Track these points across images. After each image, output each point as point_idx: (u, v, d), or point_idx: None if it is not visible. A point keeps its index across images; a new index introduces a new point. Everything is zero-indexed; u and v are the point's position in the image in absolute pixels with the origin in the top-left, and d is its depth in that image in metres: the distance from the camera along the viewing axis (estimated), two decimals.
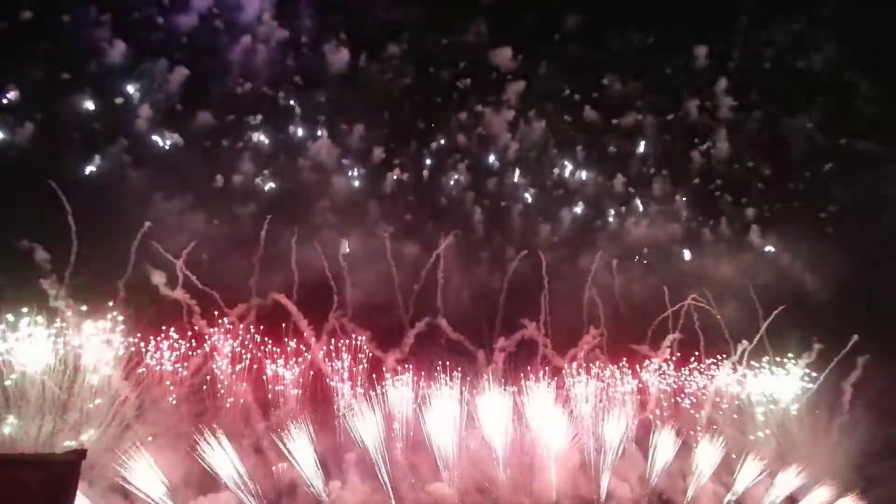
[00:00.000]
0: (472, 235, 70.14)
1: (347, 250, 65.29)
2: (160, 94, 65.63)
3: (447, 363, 62.19)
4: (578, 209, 72.91)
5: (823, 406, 65.70)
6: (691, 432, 65.71)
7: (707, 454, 64.18)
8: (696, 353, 66.92)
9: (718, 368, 66.73)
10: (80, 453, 38.00)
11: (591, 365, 65.21)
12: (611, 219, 72.75)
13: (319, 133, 70.20)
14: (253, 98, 69.15)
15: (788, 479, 63.04)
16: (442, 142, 73.11)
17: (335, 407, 61.16)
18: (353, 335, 61.66)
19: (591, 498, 62.42)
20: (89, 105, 62.95)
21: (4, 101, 59.60)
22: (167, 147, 65.07)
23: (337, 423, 61.05)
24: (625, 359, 65.74)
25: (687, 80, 73.24)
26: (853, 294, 65.59)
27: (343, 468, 59.97)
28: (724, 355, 66.88)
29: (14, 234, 52.87)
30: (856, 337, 64.81)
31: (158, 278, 56.45)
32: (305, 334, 60.10)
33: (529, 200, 72.86)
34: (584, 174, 73.60)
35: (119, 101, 64.38)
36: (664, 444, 64.63)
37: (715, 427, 65.71)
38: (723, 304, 67.64)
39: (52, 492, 34.73)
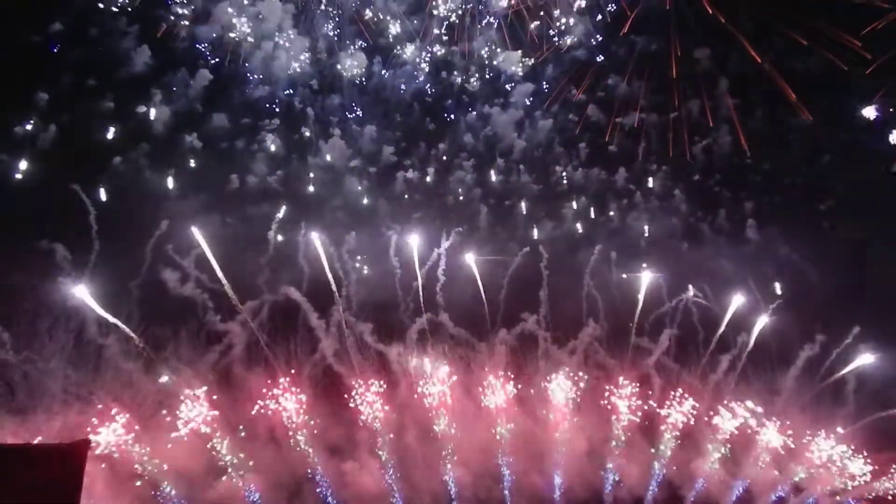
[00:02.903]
0: (476, 234, 69.85)
1: (358, 259, 65.36)
2: (181, 99, 66.18)
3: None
4: (580, 205, 72.25)
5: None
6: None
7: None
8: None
9: None
10: (85, 443, 38.12)
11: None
12: (612, 213, 71.88)
13: (332, 133, 70.76)
14: (269, 102, 69.92)
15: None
16: (450, 142, 73.04)
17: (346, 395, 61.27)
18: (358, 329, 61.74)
19: (598, 485, 61.69)
20: (113, 109, 63.63)
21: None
22: (186, 150, 65.55)
23: (349, 412, 61.19)
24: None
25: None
26: (854, 286, 64.00)
27: (356, 455, 59.90)
28: None
29: (36, 234, 53.35)
30: (857, 328, 63.28)
31: (173, 277, 56.64)
32: (315, 328, 60.22)
33: (533, 197, 72.50)
34: (586, 171, 72.86)
35: (142, 107, 64.95)
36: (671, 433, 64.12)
37: None
38: (722, 299, 66.22)
39: (58, 481, 34.89)
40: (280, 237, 63.15)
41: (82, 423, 49.60)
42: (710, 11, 66.58)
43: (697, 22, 67.61)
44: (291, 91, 70.56)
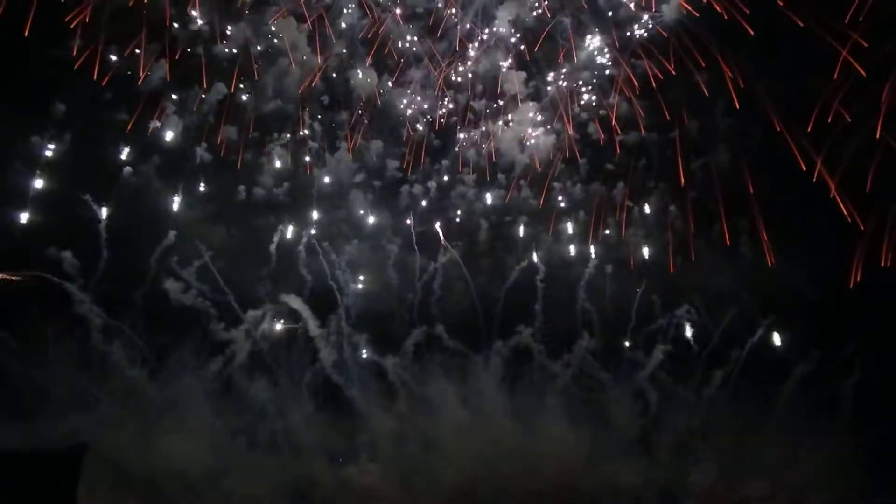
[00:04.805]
0: (475, 248, 69.79)
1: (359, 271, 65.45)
2: (194, 114, 66.42)
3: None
4: (578, 220, 71.57)
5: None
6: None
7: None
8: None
9: None
10: (81, 448, 37.81)
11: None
12: (608, 232, 71.30)
13: (338, 146, 70.71)
14: (279, 116, 69.73)
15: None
16: (453, 158, 72.69)
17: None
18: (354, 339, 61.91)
19: (593, 490, 61.17)
20: (126, 121, 63.58)
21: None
22: (196, 163, 65.77)
23: (349, 417, 61.31)
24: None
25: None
26: (849, 301, 63.11)
27: (356, 460, 59.91)
28: None
29: (45, 242, 53.79)
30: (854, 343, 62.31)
31: (176, 287, 57.00)
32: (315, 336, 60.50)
33: (532, 212, 71.87)
34: (586, 187, 72.19)
35: (155, 122, 65.07)
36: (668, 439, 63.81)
37: None
38: (717, 314, 65.72)
39: (53, 486, 34.57)
40: (283, 248, 63.38)
41: (85, 428, 49.90)
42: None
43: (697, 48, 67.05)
44: (302, 106, 70.92)
